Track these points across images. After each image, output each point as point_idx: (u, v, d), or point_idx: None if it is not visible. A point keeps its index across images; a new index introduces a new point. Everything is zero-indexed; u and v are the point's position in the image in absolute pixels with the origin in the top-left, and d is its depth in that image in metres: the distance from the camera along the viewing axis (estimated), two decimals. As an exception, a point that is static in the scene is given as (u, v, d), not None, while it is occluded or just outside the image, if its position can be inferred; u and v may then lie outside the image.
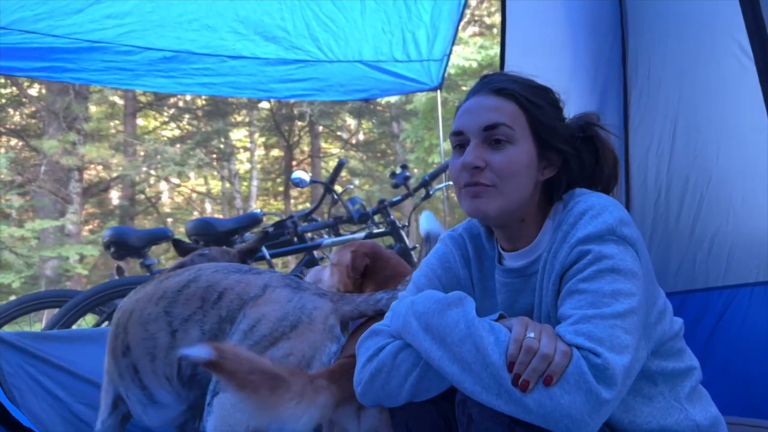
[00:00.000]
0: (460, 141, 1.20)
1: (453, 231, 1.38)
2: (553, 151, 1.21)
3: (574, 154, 1.22)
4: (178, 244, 2.11)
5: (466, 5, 3.39)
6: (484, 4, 10.92)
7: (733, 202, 2.09)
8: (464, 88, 10.24)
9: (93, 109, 10.95)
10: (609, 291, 1.03)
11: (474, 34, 10.77)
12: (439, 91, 3.82)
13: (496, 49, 2.88)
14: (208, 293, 1.51)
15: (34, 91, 10.38)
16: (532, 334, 0.98)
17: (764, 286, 1.97)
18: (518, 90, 1.19)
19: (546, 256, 1.16)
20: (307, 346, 1.39)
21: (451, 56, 3.66)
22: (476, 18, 11.20)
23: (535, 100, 1.19)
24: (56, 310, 2.89)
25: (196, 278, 1.56)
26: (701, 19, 2.17)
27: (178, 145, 11.51)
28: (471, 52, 9.11)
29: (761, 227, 1.96)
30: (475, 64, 9.02)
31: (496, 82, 1.21)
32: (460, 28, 3.46)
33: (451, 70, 8.59)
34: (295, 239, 3.29)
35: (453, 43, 3.53)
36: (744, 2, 1.92)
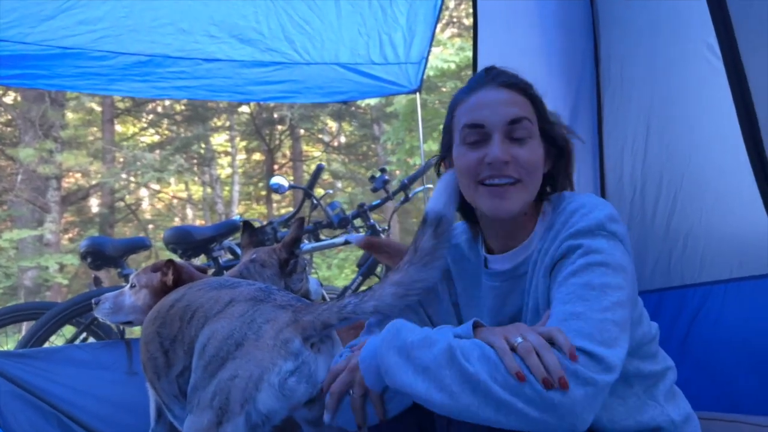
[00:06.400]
0: (478, 135, 1.17)
1: None
2: (552, 146, 1.22)
3: (568, 148, 1.23)
4: (246, 228, 2.03)
5: (443, 7, 3.39)
6: (462, 6, 10.97)
7: (705, 201, 2.11)
8: (444, 90, 10.28)
9: (70, 116, 10.84)
10: (598, 284, 1.02)
11: (452, 36, 10.81)
12: (418, 93, 3.82)
13: (475, 51, 2.90)
14: (185, 313, 1.47)
15: (9, 99, 10.23)
16: (519, 339, 0.95)
17: (738, 282, 2.00)
18: (518, 83, 1.20)
19: (536, 256, 1.16)
20: (254, 365, 1.22)
21: (430, 58, 3.66)
22: (454, 20, 11.25)
23: (535, 92, 1.21)
24: (34, 322, 2.84)
25: (181, 297, 1.53)
26: (671, 21, 2.20)
27: (157, 151, 11.43)
28: (450, 54, 9.16)
29: (733, 225, 1.99)
30: (453, 66, 9.06)
31: (504, 77, 1.21)
32: (438, 29, 3.47)
33: (430, 72, 8.62)
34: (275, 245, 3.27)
35: (431, 46, 3.53)
36: (712, 4, 1.94)
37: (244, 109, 11.48)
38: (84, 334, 2.97)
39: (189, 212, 12.89)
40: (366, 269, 3.31)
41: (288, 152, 12.61)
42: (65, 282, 9.57)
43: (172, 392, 1.50)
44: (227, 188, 12.36)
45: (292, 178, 11.10)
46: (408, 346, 1.00)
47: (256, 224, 3.47)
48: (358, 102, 10.11)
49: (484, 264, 1.28)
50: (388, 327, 1.05)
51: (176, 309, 1.51)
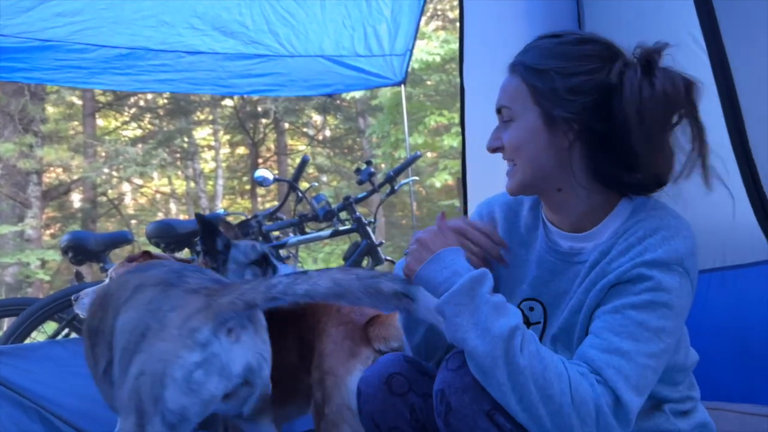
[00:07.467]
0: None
1: (483, 203, 1.36)
2: (561, 117, 1.12)
3: (579, 117, 1.11)
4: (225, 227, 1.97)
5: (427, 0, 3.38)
6: (447, -1, 10.95)
7: (689, 192, 2.11)
8: (429, 83, 10.27)
9: (50, 110, 10.69)
10: (654, 327, 1.02)
11: (437, 29, 10.80)
12: (403, 85, 3.81)
13: (459, 43, 2.90)
14: (104, 300, 1.38)
15: (-13, 92, 10.05)
16: None
17: (720, 272, 2.02)
18: (524, 60, 1.16)
19: (598, 257, 1.12)
20: (156, 360, 1.11)
21: (415, 51, 3.65)
22: (439, 12, 11.23)
23: (539, 66, 1.14)
24: (14, 319, 2.81)
25: (111, 283, 1.49)
26: (655, 14, 2.21)
27: (139, 145, 11.30)
28: (434, 47, 9.15)
29: (716, 217, 2.00)
30: (438, 59, 9.05)
31: (516, 58, 1.19)
32: (422, 22, 3.46)
33: (415, 65, 8.60)
34: (260, 239, 3.25)
35: (415, 38, 3.52)
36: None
37: (228, 102, 11.38)
38: (66, 330, 2.94)
39: (172, 207, 12.78)
40: (352, 262, 3.30)
41: (272, 146, 12.52)
42: (47, 278, 9.46)
43: (106, 394, 1.38)
44: (211, 182, 12.26)
45: (276, 171, 11.05)
46: (483, 300, 1.01)
47: (240, 218, 3.44)
48: (343, 95, 10.07)
49: (545, 233, 1.23)
50: (478, 272, 1.05)
51: (101, 297, 1.41)
